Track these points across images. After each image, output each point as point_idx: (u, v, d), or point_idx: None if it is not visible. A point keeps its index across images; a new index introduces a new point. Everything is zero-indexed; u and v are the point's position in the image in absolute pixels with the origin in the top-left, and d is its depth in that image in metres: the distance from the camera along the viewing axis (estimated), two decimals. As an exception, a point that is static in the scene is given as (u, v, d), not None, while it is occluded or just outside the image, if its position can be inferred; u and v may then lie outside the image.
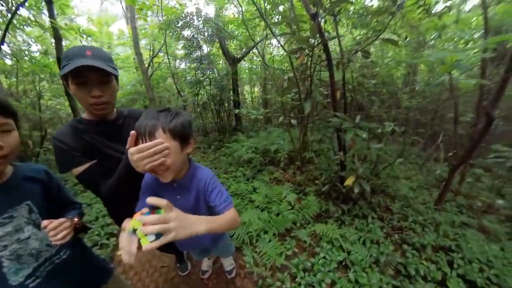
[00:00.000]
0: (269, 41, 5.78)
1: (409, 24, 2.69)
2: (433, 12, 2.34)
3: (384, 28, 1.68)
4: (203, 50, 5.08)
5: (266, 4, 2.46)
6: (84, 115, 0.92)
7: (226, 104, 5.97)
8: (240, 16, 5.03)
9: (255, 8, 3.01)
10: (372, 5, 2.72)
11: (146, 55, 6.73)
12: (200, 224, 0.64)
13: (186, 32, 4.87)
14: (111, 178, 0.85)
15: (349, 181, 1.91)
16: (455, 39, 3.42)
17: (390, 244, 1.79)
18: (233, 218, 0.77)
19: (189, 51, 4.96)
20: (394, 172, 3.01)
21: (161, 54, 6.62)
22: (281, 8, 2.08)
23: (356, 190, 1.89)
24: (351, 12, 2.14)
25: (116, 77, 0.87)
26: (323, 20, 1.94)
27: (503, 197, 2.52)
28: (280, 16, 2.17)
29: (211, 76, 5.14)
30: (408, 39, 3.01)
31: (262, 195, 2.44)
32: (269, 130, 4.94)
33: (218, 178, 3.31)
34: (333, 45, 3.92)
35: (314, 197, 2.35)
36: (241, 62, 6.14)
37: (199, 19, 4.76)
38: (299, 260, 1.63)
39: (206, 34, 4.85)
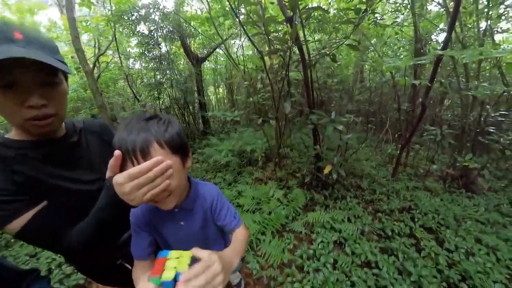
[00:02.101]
0: (233, 41, 5.72)
1: (361, 32, 3.15)
2: (379, 23, 2.83)
3: (349, 35, 1.93)
4: (161, 48, 4.57)
5: (235, 2, 2.45)
6: (11, 135, 0.60)
7: (191, 107, 5.67)
8: (203, 13, 4.75)
9: (220, 6, 2.99)
10: (333, 14, 3.06)
11: (89, 53, 5.67)
12: (234, 256, 0.60)
13: (142, 27, 4.27)
14: (80, 224, 0.58)
15: (327, 170, 2.14)
16: (394, 45, 4.24)
17: (368, 215, 2.10)
18: (247, 233, 0.75)
19: (145, 49, 4.39)
20: (357, 156, 3.49)
21: (109, 52, 5.70)
22: (252, 7, 2.12)
23: (335, 176, 2.13)
24: (317, 20, 2.36)
25: (66, 76, 0.61)
26: (297, 24, 2.08)
27: (435, 163, 3.26)
28: (247, 16, 2.21)
29: (173, 78, 4.71)
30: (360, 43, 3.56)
31: (249, 198, 2.46)
32: (240, 130, 4.96)
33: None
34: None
35: (298, 189, 2.52)
36: (203, 63, 5.88)
37: (157, 12, 4.18)
38: (301, 250, 1.74)
39: (165, 31, 4.34)
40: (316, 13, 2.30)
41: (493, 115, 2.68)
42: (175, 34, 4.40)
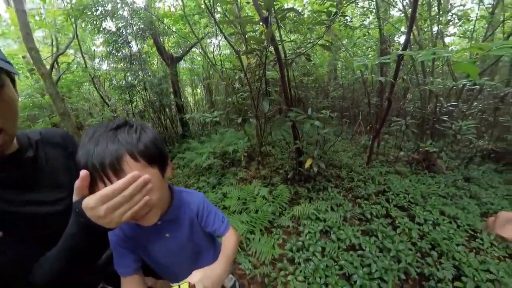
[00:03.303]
0: (209, 40, 5.55)
1: (333, 33, 3.34)
2: (348, 25, 3.05)
3: (321, 36, 2.03)
4: (132, 47, 4.21)
5: (211, 1, 2.40)
6: None
7: (168, 110, 5.38)
8: (177, 10, 4.50)
9: (194, 3, 2.89)
10: (308, 16, 3.20)
11: (45, 52, 4.94)
12: (223, 268, 0.63)
13: (109, 24, 3.91)
14: (47, 254, 0.50)
15: (307, 163, 2.23)
16: (363, 46, 4.58)
17: (348, 202, 2.24)
18: (237, 236, 0.75)
19: (113, 49, 4.02)
20: (335, 148, 3.69)
21: (70, 51, 5.14)
22: (228, 6, 2.11)
23: (316, 169, 2.22)
24: (292, 21, 2.44)
25: (12, 78, 0.50)
26: (272, 24, 2.12)
27: (402, 150, 3.60)
28: (223, 15, 2.19)
29: (146, 79, 4.41)
30: (333, 44, 3.78)
31: (234, 199, 2.44)
32: (220, 131, 4.88)
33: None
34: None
35: (282, 185, 2.58)
36: (180, 62, 5.62)
37: (126, 8, 3.86)
38: (290, 243, 1.78)
39: (135, 28, 4.02)
40: (291, 14, 2.38)
41: (445, 105, 3.06)
42: (146, 32, 4.09)
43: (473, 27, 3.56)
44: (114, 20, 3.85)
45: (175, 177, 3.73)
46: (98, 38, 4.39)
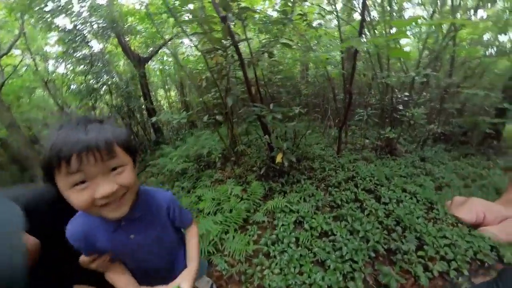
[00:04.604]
0: (180, 40, 5.25)
1: (298, 32, 3.45)
2: (313, 25, 3.18)
3: (280, 35, 2.07)
4: (92, 47, 3.82)
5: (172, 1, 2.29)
6: None
7: (138, 115, 4.97)
8: (141, 8, 4.13)
9: (161, 2, 2.69)
10: (272, 16, 3.26)
11: None
12: (196, 264, 0.75)
13: (64, 21, 3.57)
14: None
15: (278, 158, 2.24)
16: (329, 45, 4.83)
17: (321, 191, 2.30)
18: (197, 226, 0.87)
19: (70, 48, 3.61)
20: (308, 142, 3.80)
21: (16, 52, 4.43)
22: (191, 6, 2.03)
23: (286, 164, 2.25)
24: (257, 18, 2.44)
25: None
26: (233, 23, 2.10)
27: (368, 138, 3.86)
28: (190, 14, 2.11)
29: (110, 82, 4.03)
30: (300, 44, 3.91)
31: (208, 201, 2.36)
32: (196, 134, 4.72)
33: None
34: (244, 47, 4.32)
35: (256, 182, 2.56)
36: (149, 63, 5.25)
37: (83, 4, 3.47)
38: (265, 238, 1.76)
39: (95, 26, 3.65)
40: (260, 15, 2.40)
41: (399, 96, 3.37)
42: (108, 30, 3.73)
43: (419, 29, 4.03)
44: (69, 16, 3.44)
45: (149, 185, 3.50)
46: (52, 36, 3.92)
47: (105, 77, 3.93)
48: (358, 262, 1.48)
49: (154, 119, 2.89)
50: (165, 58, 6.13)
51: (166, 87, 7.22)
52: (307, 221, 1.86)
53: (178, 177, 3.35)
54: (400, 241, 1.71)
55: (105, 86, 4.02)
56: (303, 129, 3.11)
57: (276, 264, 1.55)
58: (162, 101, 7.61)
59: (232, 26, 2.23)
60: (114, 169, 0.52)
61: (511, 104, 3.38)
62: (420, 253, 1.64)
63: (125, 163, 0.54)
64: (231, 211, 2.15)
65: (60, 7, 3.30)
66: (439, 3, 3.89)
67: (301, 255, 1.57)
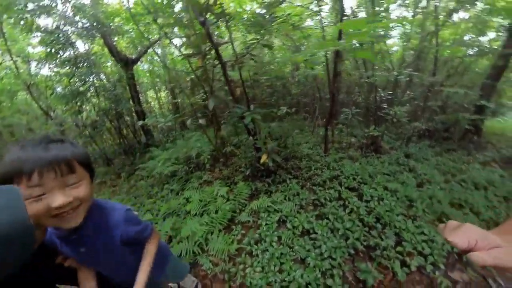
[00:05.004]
0: (169, 41, 5.18)
1: (284, 33, 3.48)
2: (298, 26, 3.20)
3: (268, 36, 2.09)
4: (77, 48, 3.70)
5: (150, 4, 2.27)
6: None
7: (128, 118, 4.89)
8: (125, 8, 4.04)
9: (147, 2, 2.68)
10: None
11: None
12: (144, 276, 0.78)
13: (46, 21, 3.43)
14: None
15: (263, 158, 2.27)
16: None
17: (306, 191, 2.34)
18: (158, 237, 0.90)
19: (54, 49, 3.48)
20: (297, 141, 3.84)
21: None
22: (177, 8, 2.03)
23: (270, 164, 2.28)
24: (245, 18, 2.44)
25: None
26: (215, 26, 2.11)
27: (355, 136, 3.94)
28: (171, 20, 2.11)
29: (97, 84, 3.93)
30: (287, 44, 3.93)
31: (196, 202, 2.38)
32: (187, 136, 4.69)
33: (143, 206, 2.83)
34: (229, 48, 4.29)
35: (243, 182, 2.58)
36: (138, 64, 5.16)
37: (67, 4, 3.39)
38: (248, 237, 1.79)
39: (80, 26, 3.55)
40: (249, 15, 2.40)
41: (382, 95, 3.45)
42: (94, 31, 3.64)
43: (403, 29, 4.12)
44: (52, 16, 3.35)
45: (139, 188, 3.49)
46: (34, 36, 3.67)
47: (92, 79, 3.84)
48: (337, 259, 1.53)
49: (140, 123, 2.87)
50: (155, 58, 6.04)
51: (156, 88, 7.14)
52: (290, 220, 1.90)
53: (168, 179, 3.34)
54: (380, 238, 1.76)
55: (91, 89, 3.91)
56: (290, 129, 3.16)
57: (258, 263, 1.58)
58: (152, 102, 7.50)
59: (218, 27, 2.25)
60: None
61: (488, 102, 3.52)
62: (398, 248, 1.69)
63: (82, 178, 0.60)
64: (217, 211, 2.17)
65: (42, 7, 3.20)
66: (420, 5, 3.99)
67: (282, 254, 1.61)
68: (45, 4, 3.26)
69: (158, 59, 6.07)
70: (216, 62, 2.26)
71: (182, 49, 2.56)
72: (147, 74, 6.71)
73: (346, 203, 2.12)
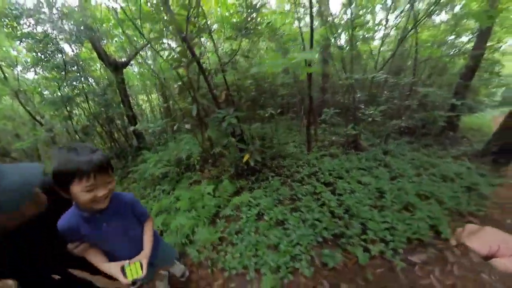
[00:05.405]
0: (155, 51, 5.28)
1: (267, 38, 3.67)
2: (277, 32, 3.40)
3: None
4: (65, 52, 3.72)
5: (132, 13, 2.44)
6: None
7: (119, 122, 4.95)
8: (117, 12, 4.18)
9: (135, 8, 2.81)
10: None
11: None
12: (148, 249, 1.04)
13: (33, 26, 3.40)
14: None
15: (246, 158, 2.46)
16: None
17: (285, 187, 2.55)
18: (153, 221, 1.16)
19: (42, 55, 3.54)
20: (284, 140, 4.05)
21: None
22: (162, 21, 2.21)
23: (252, 163, 2.47)
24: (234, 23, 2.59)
25: None
26: (200, 36, 2.28)
27: (338, 135, 4.16)
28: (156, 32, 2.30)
29: (87, 89, 3.98)
30: (270, 48, 4.10)
31: (185, 200, 2.56)
32: (178, 138, 4.85)
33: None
34: (213, 56, 4.43)
35: (228, 181, 2.78)
36: (129, 67, 5.17)
37: (52, 9, 3.42)
38: (230, 228, 2.00)
39: (67, 30, 3.56)
40: (237, 20, 2.57)
41: (359, 95, 3.66)
42: (82, 36, 3.68)
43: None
44: (40, 23, 3.38)
45: (132, 190, 3.65)
46: (20, 42, 3.55)
47: (81, 84, 3.88)
48: (303, 245, 1.73)
49: (131, 128, 3.03)
50: (146, 61, 6.14)
51: (147, 90, 7.21)
52: (267, 213, 2.11)
53: (160, 181, 3.51)
54: (345, 227, 1.97)
55: (82, 94, 3.93)
56: (275, 130, 3.36)
57: (237, 250, 1.78)
58: (144, 106, 7.54)
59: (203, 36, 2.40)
60: None
61: (462, 100, 3.75)
62: (363, 236, 1.89)
63: (112, 176, 0.86)
64: (203, 207, 2.37)
65: (27, 12, 3.24)
66: (398, 9, 4.21)
67: (258, 241, 1.81)
68: (32, 8, 3.30)
69: (148, 63, 6.18)
70: (197, 72, 2.44)
71: (168, 58, 2.74)
72: (138, 77, 6.78)
73: (320, 196, 2.33)
